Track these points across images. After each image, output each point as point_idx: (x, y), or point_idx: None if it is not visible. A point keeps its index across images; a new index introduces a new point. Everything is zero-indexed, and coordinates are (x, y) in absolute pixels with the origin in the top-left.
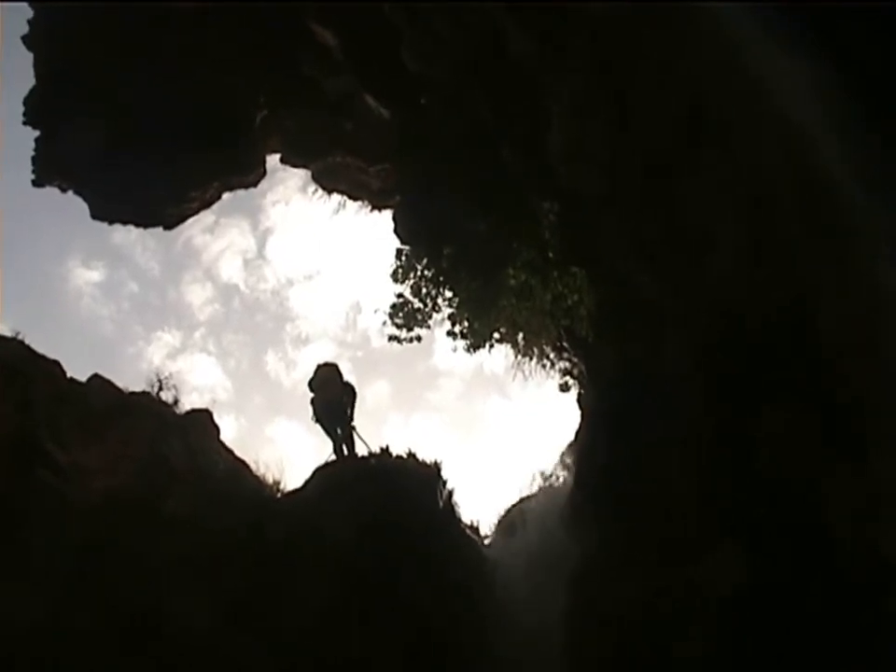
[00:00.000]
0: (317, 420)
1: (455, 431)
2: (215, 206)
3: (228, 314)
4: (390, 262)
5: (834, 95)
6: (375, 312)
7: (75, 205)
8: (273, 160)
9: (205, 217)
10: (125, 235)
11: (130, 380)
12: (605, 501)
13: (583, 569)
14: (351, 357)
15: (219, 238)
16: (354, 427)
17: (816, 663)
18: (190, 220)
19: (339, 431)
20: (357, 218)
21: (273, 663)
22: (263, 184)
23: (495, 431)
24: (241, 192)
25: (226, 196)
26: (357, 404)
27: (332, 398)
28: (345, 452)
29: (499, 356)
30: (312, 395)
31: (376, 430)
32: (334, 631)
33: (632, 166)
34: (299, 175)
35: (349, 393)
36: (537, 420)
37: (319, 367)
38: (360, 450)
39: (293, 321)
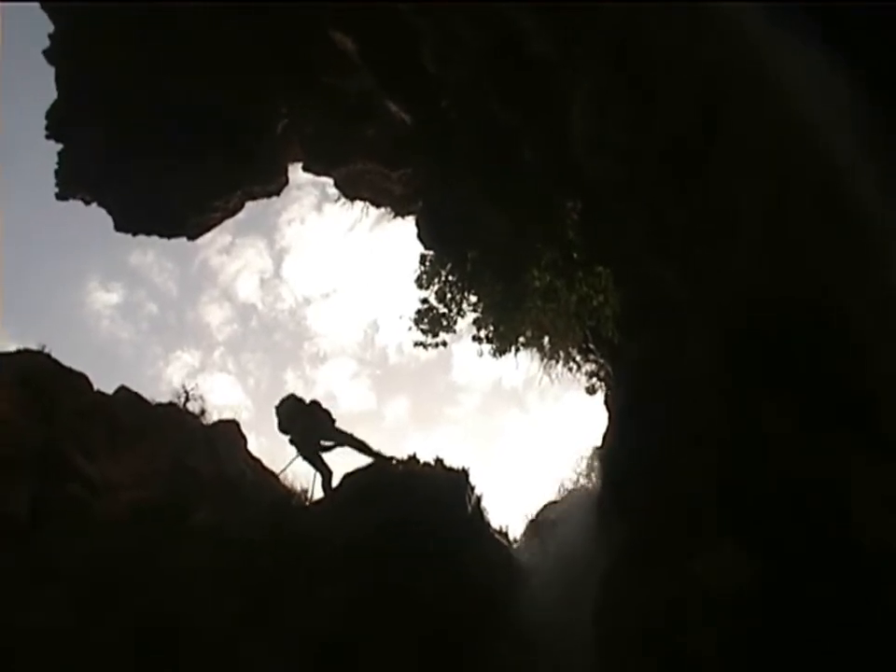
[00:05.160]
0: (305, 455)
1: (477, 445)
2: (231, 227)
3: (246, 333)
4: (412, 271)
5: (849, 91)
6: (400, 318)
7: (92, 228)
8: (292, 175)
9: (221, 237)
10: (142, 258)
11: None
12: (633, 502)
13: (613, 571)
14: (370, 374)
15: (236, 258)
16: (346, 433)
17: (841, 658)
18: (207, 239)
19: (340, 444)
20: (373, 235)
21: None
22: (278, 203)
23: (516, 443)
24: (256, 212)
25: (241, 216)
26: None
27: (307, 424)
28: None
29: (519, 368)
30: (288, 436)
31: (397, 446)
32: (364, 639)
33: (653, 154)
34: (314, 194)
35: (318, 410)
36: (558, 430)
37: (277, 408)
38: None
39: (311, 339)
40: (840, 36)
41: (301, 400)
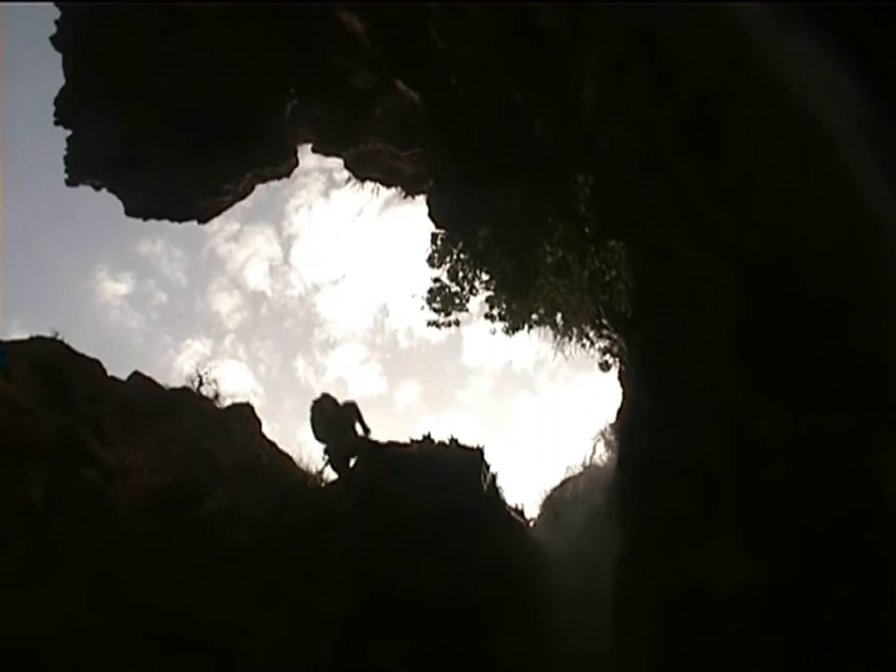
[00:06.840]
0: (336, 468)
1: (489, 427)
2: (238, 214)
3: (256, 320)
4: (422, 253)
5: (854, 90)
6: (412, 297)
7: (100, 219)
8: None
9: (229, 225)
10: (150, 247)
11: None
12: (649, 481)
13: (630, 550)
14: (380, 358)
15: (244, 246)
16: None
17: (864, 651)
18: (215, 227)
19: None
20: (381, 219)
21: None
22: (285, 189)
23: (528, 426)
24: (264, 199)
25: (249, 203)
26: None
27: (348, 442)
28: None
29: (530, 348)
30: (324, 445)
31: (409, 430)
32: (379, 620)
33: (669, 123)
34: (321, 180)
35: (355, 414)
36: (569, 411)
37: (313, 410)
38: None
39: (321, 325)
40: (841, 36)
41: (336, 404)
